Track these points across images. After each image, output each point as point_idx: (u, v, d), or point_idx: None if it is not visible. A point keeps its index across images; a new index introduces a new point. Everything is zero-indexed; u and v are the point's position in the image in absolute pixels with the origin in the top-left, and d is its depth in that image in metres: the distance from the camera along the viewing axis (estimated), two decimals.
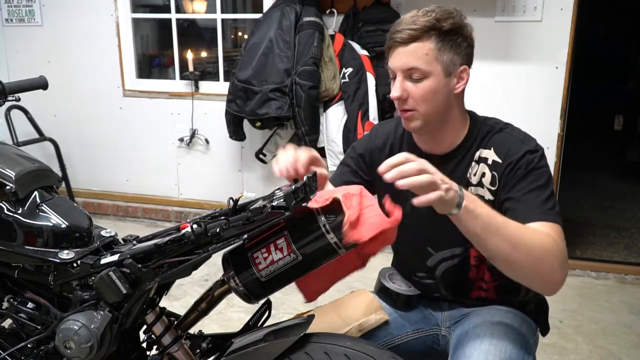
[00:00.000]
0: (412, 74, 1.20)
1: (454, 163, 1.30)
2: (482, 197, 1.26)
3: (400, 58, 1.21)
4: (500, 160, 1.24)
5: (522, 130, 1.29)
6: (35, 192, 1.18)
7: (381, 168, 1.02)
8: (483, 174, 1.26)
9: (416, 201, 1.00)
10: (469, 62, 1.25)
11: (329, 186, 1.31)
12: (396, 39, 1.20)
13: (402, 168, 1.00)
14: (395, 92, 1.22)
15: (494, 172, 1.24)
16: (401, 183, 0.99)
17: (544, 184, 1.19)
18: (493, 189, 1.24)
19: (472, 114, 1.33)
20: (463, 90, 1.26)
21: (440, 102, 1.22)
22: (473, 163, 1.28)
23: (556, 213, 1.17)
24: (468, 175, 1.28)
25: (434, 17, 1.18)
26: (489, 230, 1.05)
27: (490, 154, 1.25)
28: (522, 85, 2.99)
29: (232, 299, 1.12)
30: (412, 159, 1.02)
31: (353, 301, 1.38)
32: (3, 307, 1.20)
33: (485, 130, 1.29)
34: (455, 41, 1.20)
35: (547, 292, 1.15)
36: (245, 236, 0.99)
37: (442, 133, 1.28)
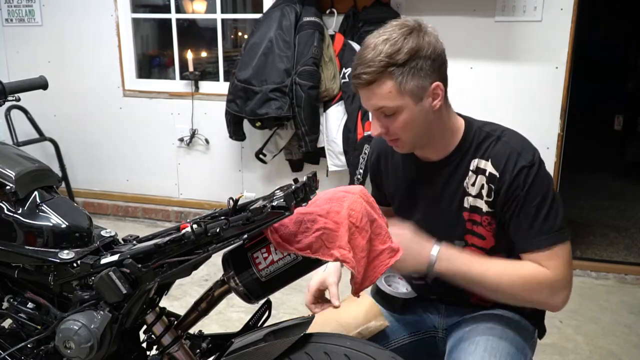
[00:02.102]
0: (384, 112, 1.19)
1: (449, 169, 1.28)
2: (479, 209, 1.26)
3: (366, 100, 1.20)
4: (497, 174, 1.22)
5: (520, 136, 1.26)
6: (35, 192, 1.18)
7: None
8: (482, 186, 1.25)
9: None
10: (438, 76, 1.19)
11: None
12: (355, 83, 1.19)
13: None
14: (374, 131, 1.24)
15: (490, 185, 1.23)
16: None
17: (541, 201, 1.19)
18: (490, 200, 1.24)
19: (467, 119, 1.30)
20: (442, 105, 1.22)
21: (420, 125, 1.21)
22: (470, 173, 1.26)
23: (557, 230, 1.19)
24: (465, 184, 1.27)
25: (386, 54, 1.13)
26: (468, 283, 1.19)
27: (487, 166, 1.24)
28: (522, 85, 2.99)
29: (232, 299, 1.12)
30: None
31: (352, 307, 1.38)
32: (3, 307, 1.20)
33: (482, 136, 1.27)
34: (416, 67, 1.15)
35: (549, 310, 1.24)
36: (245, 236, 0.99)
37: (434, 145, 1.28)
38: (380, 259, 1.06)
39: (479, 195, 1.25)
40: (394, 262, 1.06)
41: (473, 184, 1.26)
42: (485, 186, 1.24)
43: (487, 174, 1.24)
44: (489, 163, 1.24)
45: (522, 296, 1.19)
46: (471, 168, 1.26)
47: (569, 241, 1.20)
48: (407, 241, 1.15)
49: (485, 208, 1.25)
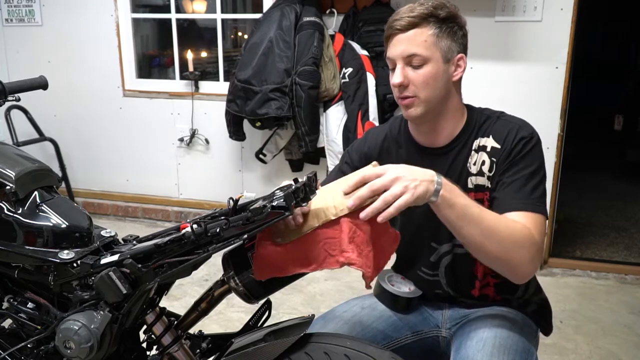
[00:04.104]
0: (412, 61, 1.22)
1: (453, 154, 1.30)
2: (482, 187, 1.27)
3: (400, 46, 1.23)
4: (499, 146, 1.26)
5: (518, 117, 1.32)
6: (35, 192, 1.18)
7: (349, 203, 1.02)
8: (483, 162, 1.27)
9: (380, 218, 1.01)
10: (464, 51, 1.28)
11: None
12: (395, 26, 1.23)
13: (359, 194, 1.01)
14: (396, 78, 1.24)
15: (493, 159, 1.26)
16: (363, 215, 1.01)
17: (533, 172, 1.22)
18: (491, 175, 1.26)
19: (469, 106, 1.35)
20: (460, 79, 1.29)
21: (439, 88, 1.24)
22: (473, 152, 1.29)
23: (541, 203, 1.21)
24: (468, 165, 1.29)
25: (431, 6, 1.22)
26: (463, 219, 1.10)
27: (489, 142, 1.27)
28: (522, 85, 2.99)
29: (232, 299, 1.13)
30: (369, 177, 1.04)
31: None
32: (3, 307, 1.20)
33: (483, 119, 1.31)
34: (452, 29, 1.24)
35: (516, 281, 1.21)
36: (245, 236, 0.99)
37: (441, 123, 1.30)
38: (385, 248, 1.07)
39: (479, 173, 1.27)
40: (416, 194, 1.01)
41: (475, 163, 1.28)
42: (487, 161, 1.26)
43: (488, 149, 1.27)
44: (490, 139, 1.28)
45: (509, 247, 1.12)
46: (474, 148, 1.29)
47: (546, 218, 1.23)
48: (406, 167, 1.06)
49: (487, 184, 1.27)
